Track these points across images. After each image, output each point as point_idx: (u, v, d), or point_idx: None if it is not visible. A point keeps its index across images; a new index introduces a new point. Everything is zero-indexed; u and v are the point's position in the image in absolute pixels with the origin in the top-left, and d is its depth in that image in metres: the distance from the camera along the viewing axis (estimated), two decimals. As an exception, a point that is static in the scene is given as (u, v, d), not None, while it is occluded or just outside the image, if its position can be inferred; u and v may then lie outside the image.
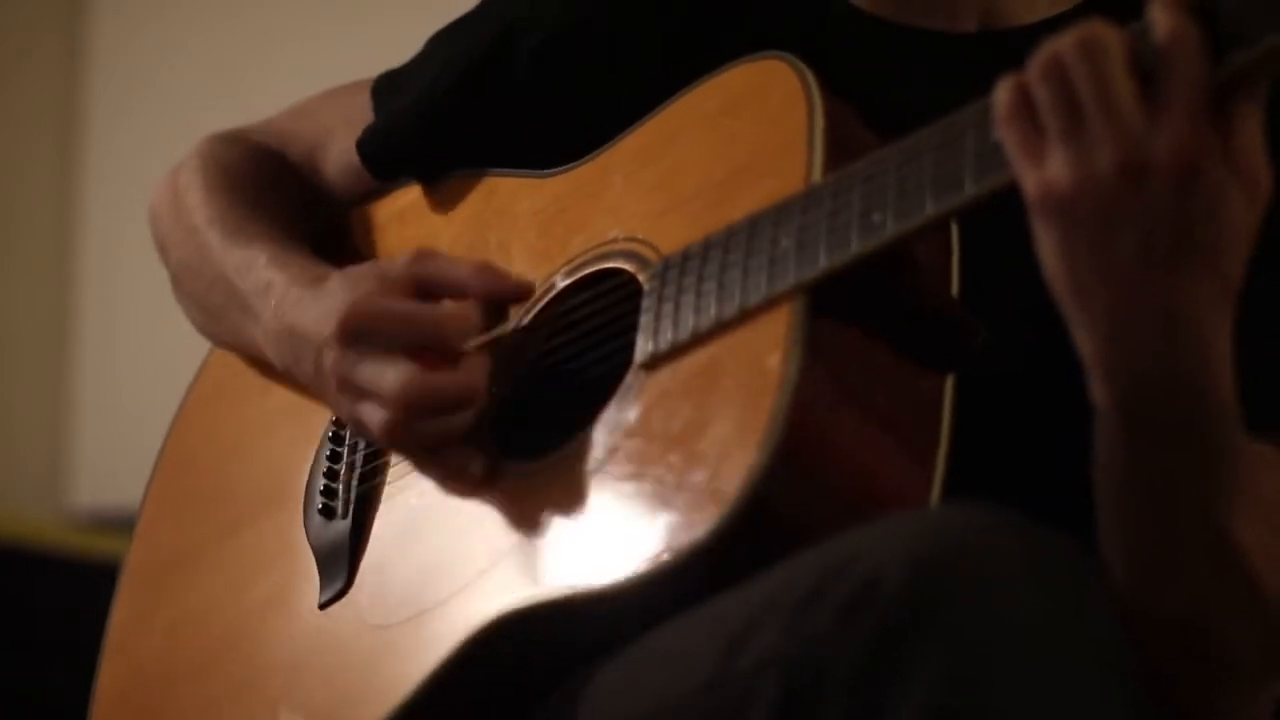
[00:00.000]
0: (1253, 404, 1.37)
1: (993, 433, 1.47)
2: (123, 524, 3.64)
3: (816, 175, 1.44)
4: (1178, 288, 1.27)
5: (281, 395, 1.77)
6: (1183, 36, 1.22)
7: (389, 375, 1.56)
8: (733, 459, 1.36)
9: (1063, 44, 1.26)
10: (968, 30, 1.65)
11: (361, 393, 1.58)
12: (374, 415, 1.57)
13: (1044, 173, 1.27)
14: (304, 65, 3.97)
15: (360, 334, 1.59)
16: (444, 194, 1.78)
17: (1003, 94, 1.29)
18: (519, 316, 1.62)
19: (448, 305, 1.61)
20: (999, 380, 1.47)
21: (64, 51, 4.31)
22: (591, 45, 1.73)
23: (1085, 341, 1.31)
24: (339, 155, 1.87)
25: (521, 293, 1.61)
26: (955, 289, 1.45)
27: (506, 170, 1.73)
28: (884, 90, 1.59)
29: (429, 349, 1.58)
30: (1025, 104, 1.28)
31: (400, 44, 1.93)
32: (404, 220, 1.81)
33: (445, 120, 1.78)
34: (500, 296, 1.62)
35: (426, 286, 1.62)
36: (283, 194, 1.88)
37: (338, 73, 3.89)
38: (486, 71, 1.76)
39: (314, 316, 1.64)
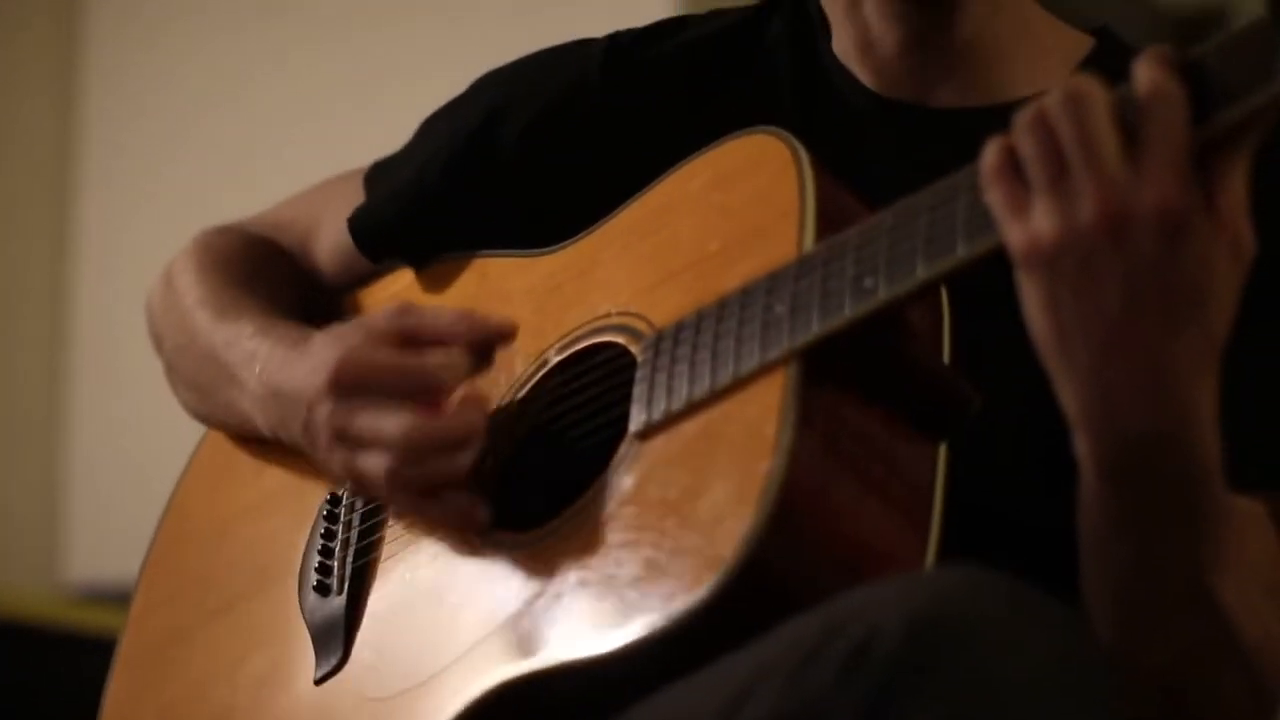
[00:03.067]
0: (1239, 462, 1.38)
1: (986, 494, 1.48)
2: (117, 598, 3.63)
3: (808, 246, 1.45)
4: (1161, 342, 1.28)
5: (275, 475, 1.77)
6: (1165, 90, 1.24)
7: (389, 421, 1.56)
8: (729, 524, 1.37)
9: (1049, 99, 1.28)
10: (971, 105, 1.66)
11: (360, 442, 1.58)
12: (375, 463, 1.57)
13: (1028, 225, 1.28)
14: (301, 82, 4.00)
15: (353, 386, 1.59)
16: (437, 277, 1.79)
17: (990, 152, 1.30)
18: (512, 391, 1.63)
19: (436, 353, 1.60)
20: (992, 443, 1.47)
21: (56, 92, 4.32)
22: (580, 124, 1.75)
23: (1069, 396, 1.32)
24: (331, 237, 1.88)
25: (506, 334, 1.61)
26: (947, 355, 1.45)
27: (499, 251, 1.75)
28: (885, 166, 1.60)
29: (422, 397, 1.58)
30: (1011, 159, 1.29)
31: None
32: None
33: (435, 202, 1.80)
34: (485, 341, 1.61)
35: (410, 337, 1.62)
36: (274, 275, 1.89)
37: (334, 86, 3.91)
38: (474, 153, 1.78)
39: (301, 374, 1.65)
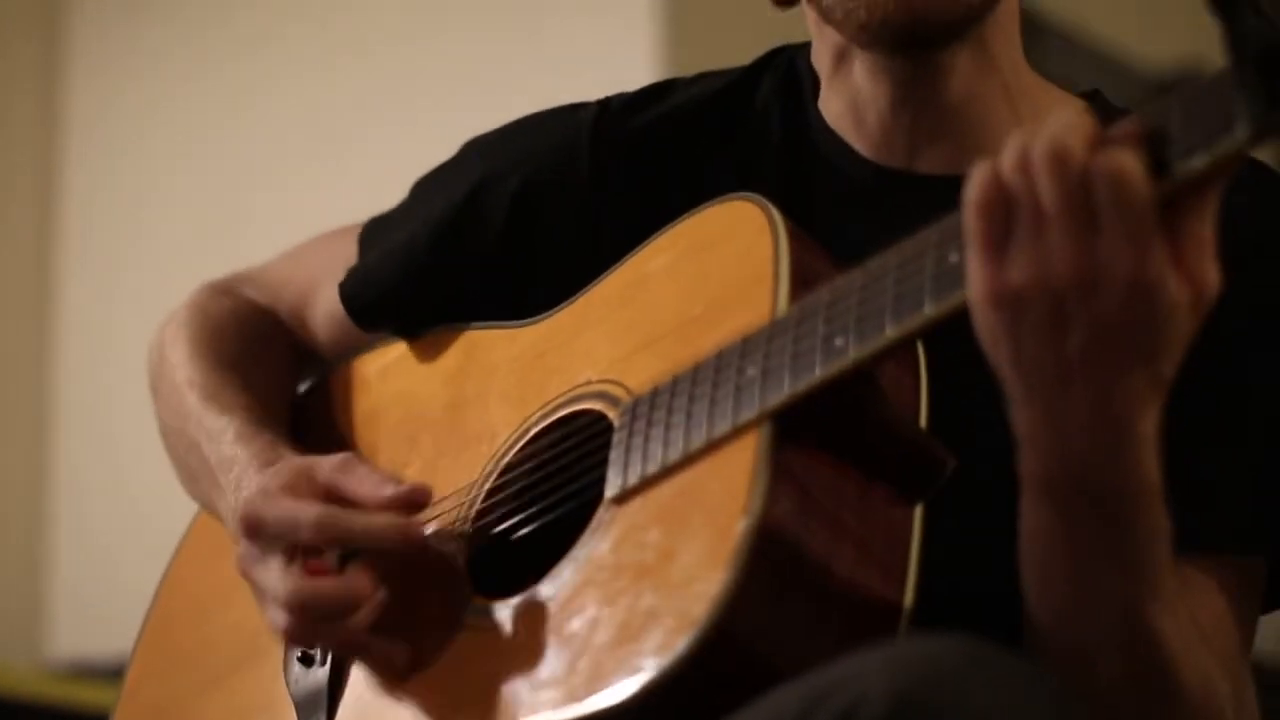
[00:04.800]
0: (1186, 525, 1.39)
1: (962, 552, 1.48)
2: (101, 673, 3.63)
3: (782, 308, 1.46)
4: (1113, 380, 1.29)
5: None
6: (1128, 166, 1.24)
7: (275, 579, 1.59)
8: (701, 585, 1.37)
9: (1037, 148, 1.28)
10: (960, 171, 1.63)
11: (260, 592, 1.62)
12: (276, 616, 1.60)
13: (1002, 267, 1.28)
14: (281, 123, 4.00)
15: (255, 530, 1.61)
16: (426, 349, 1.80)
17: (979, 186, 1.30)
18: (495, 460, 1.64)
19: (356, 514, 1.61)
20: (968, 502, 1.47)
21: (37, 141, 4.33)
22: (568, 194, 1.75)
23: (1020, 415, 1.33)
24: (326, 305, 1.89)
25: (423, 499, 1.61)
26: (924, 415, 1.46)
27: (486, 323, 1.75)
28: (873, 232, 1.59)
29: (328, 545, 1.59)
30: (999, 196, 1.29)
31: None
32: (386, 376, 1.84)
33: (424, 273, 1.81)
34: (406, 506, 1.61)
35: (338, 494, 1.63)
36: (268, 355, 1.91)
37: (313, 129, 3.90)
38: (462, 226, 1.79)
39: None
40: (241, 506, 1.63)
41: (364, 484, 1.61)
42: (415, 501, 1.60)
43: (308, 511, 1.59)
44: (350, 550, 1.60)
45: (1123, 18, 4.61)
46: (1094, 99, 1.71)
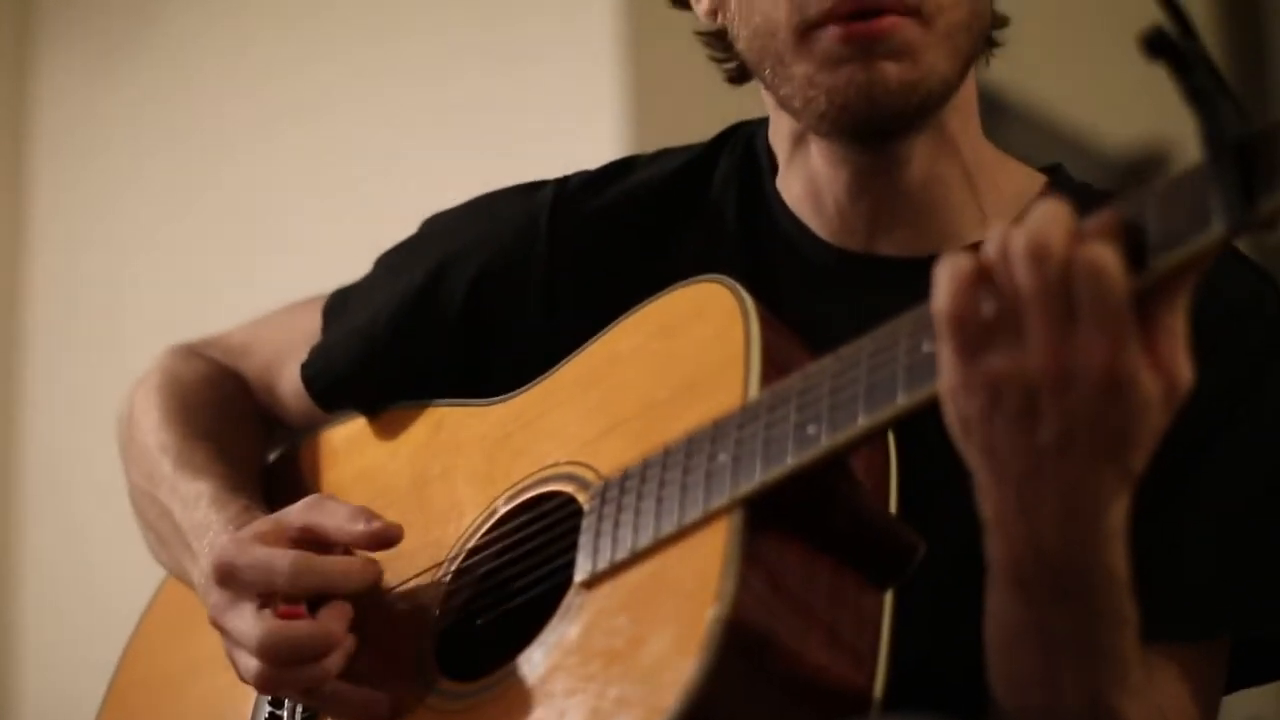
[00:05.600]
0: (1150, 616, 1.38)
1: (932, 636, 1.48)
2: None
3: (753, 392, 1.45)
4: (1083, 474, 1.28)
5: None
6: (1107, 262, 1.24)
7: (248, 624, 1.59)
8: (670, 673, 1.36)
9: (1018, 239, 1.27)
10: (919, 254, 1.64)
11: (232, 639, 1.61)
12: (247, 664, 1.59)
13: (975, 359, 1.28)
14: (253, 185, 3.99)
15: (227, 577, 1.61)
16: (393, 424, 1.80)
17: (958, 275, 1.28)
18: (461, 541, 1.63)
19: (332, 557, 1.62)
20: (937, 585, 1.47)
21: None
22: (527, 275, 1.75)
23: (989, 504, 1.32)
24: (292, 380, 1.89)
25: (394, 539, 1.62)
26: (894, 500, 1.45)
27: (453, 400, 1.75)
28: (833, 314, 1.60)
29: (300, 593, 1.59)
30: (980, 284, 1.28)
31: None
32: (354, 450, 1.83)
33: (384, 355, 1.81)
34: (378, 543, 1.63)
35: (315, 536, 1.63)
36: (239, 420, 1.91)
37: (286, 190, 3.88)
38: (420, 309, 1.79)
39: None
40: (214, 554, 1.63)
41: (336, 516, 1.62)
42: (388, 538, 1.61)
43: (281, 557, 1.60)
44: (320, 599, 1.61)
45: (1084, 97, 4.63)
46: (1055, 174, 1.72)
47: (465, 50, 3.76)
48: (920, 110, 1.60)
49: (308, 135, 3.92)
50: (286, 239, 3.89)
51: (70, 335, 4.19)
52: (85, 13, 4.27)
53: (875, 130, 1.60)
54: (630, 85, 3.51)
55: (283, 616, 1.58)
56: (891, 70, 1.57)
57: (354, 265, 1.94)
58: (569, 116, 3.54)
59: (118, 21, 4.22)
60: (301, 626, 1.58)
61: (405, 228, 1.90)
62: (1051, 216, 1.26)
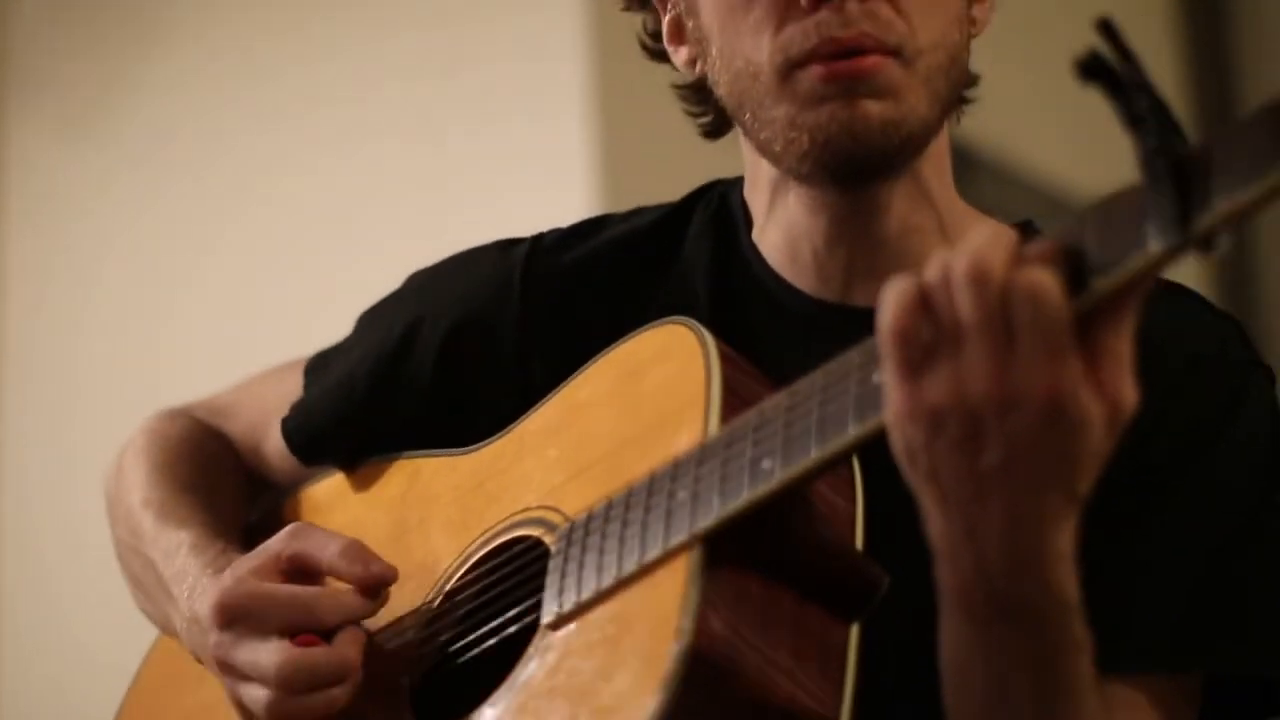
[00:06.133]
0: (1117, 645, 1.39)
1: (897, 669, 1.48)
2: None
3: (713, 429, 1.46)
4: (1027, 497, 1.29)
5: (215, 685, 1.76)
6: (1046, 285, 1.26)
7: (263, 655, 1.59)
8: (632, 711, 1.37)
9: (957, 267, 1.28)
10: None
11: (241, 674, 1.61)
12: (256, 695, 1.60)
13: (917, 385, 1.29)
14: (229, 251, 3.99)
15: (234, 616, 1.62)
16: (371, 477, 1.82)
17: (899, 303, 1.29)
18: (438, 587, 1.65)
19: (322, 587, 1.64)
20: (902, 616, 1.47)
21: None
22: (499, 332, 1.77)
23: (936, 530, 1.32)
24: (277, 439, 1.91)
25: (388, 578, 1.64)
26: (860, 535, 1.46)
27: (428, 451, 1.77)
28: (804, 365, 1.60)
29: (303, 628, 1.60)
30: (921, 311, 1.29)
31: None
32: (334, 504, 1.85)
33: (361, 411, 1.83)
34: (370, 579, 1.64)
35: (302, 565, 1.65)
36: (223, 476, 1.93)
37: (261, 255, 3.86)
38: (395, 367, 1.81)
39: (205, 603, 1.67)
40: (215, 595, 1.63)
41: (326, 550, 1.64)
42: (385, 580, 1.63)
43: (281, 591, 1.61)
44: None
45: (1055, 150, 4.65)
46: (1026, 229, 1.72)
47: (434, 105, 3.79)
48: (901, 150, 1.61)
49: (284, 196, 3.94)
50: (259, 302, 3.90)
51: (40, 398, 4.19)
52: (55, 75, 4.28)
53: (856, 169, 1.61)
54: (600, 145, 3.53)
55: (301, 644, 1.59)
56: (874, 109, 1.58)
57: (325, 327, 1.96)
58: (538, 175, 3.56)
59: (88, 83, 4.23)
60: (320, 653, 1.59)
61: (383, 284, 1.92)
62: (993, 241, 1.27)
